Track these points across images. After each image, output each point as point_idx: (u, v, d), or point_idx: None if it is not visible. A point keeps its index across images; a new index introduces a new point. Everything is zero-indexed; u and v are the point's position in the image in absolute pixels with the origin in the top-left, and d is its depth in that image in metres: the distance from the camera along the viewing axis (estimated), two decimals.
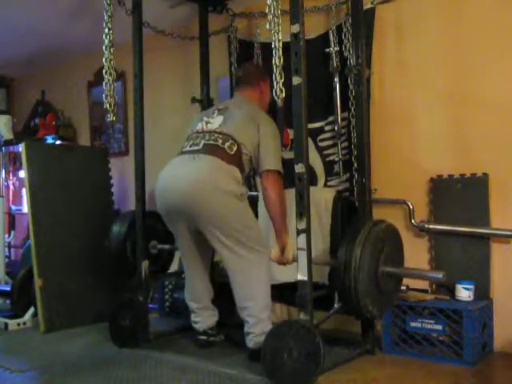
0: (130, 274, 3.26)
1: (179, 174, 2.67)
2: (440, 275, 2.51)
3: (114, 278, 3.78)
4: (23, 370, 2.73)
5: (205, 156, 2.63)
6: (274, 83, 2.45)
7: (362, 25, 2.93)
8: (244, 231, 2.63)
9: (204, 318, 2.96)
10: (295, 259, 2.50)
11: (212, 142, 2.67)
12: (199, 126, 2.81)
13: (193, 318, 2.99)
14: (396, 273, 2.61)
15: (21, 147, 3.64)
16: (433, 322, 2.72)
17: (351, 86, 3.13)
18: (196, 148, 2.69)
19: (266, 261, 2.71)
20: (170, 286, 3.80)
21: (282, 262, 2.70)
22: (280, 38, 2.43)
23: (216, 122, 2.76)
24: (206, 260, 2.95)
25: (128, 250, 3.38)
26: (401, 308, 2.80)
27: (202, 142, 2.70)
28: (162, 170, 2.75)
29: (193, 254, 2.88)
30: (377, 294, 2.52)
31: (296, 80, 2.39)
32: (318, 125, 3.37)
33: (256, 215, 3.04)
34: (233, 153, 2.65)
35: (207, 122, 2.79)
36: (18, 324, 3.57)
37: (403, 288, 2.92)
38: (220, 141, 2.67)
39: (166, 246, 3.39)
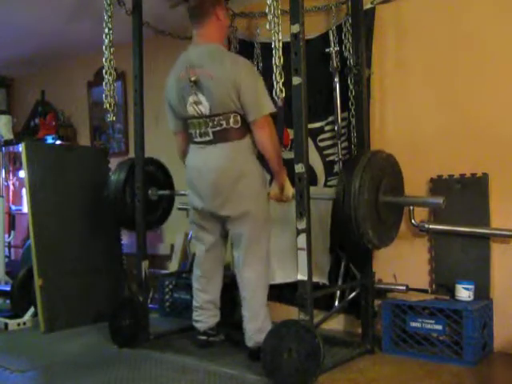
0: (131, 223, 3.23)
1: (203, 166, 2.72)
2: (440, 200, 2.52)
3: (114, 279, 3.79)
4: (23, 370, 2.73)
5: (221, 144, 2.68)
6: (274, 83, 2.46)
7: (362, 25, 2.94)
8: (262, 222, 2.73)
9: (206, 317, 2.96)
10: (294, 196, 2.51)
11: (218, 128, 2.67)
12: (191, 111, 2.71)
13: (195, 316, 2.98)
14: (396, 201, 2.61)
15: (21, 147, 3.64)
16: (433, 321, 2.72)
17: (351, 86, 3.13)
18: (208, 138, 2.70)
19: (269, 253, 2.76)
20: (170, 286, 3.80)
21: (282, 200, 2.73)
22: (280, 38, 2.43)
23: (203, 103, 2.67)
24: (224, 258, 3.02)
25: (127, 196, 3.35)
26: (401, 308, 2.80)
27: (210, 130, 2.69)
28: (188, 161, 2.81)
29: (215, 249, 2.92)
30: (377, 222, 2.53)
31: (296, 80, 2.40)
32: (317, 125, 3.37)
33: None
34: (239, 124, 2.67)
35: (195, 103, 2.69)
36: (18, 324, 3.57)
37: (403, 288, 2.93)
38: (224, 122, 2.66)
39: (166, 192, 3.41)
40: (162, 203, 3.53)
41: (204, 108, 2.68)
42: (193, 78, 2.67)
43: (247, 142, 2.70)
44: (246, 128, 2.68)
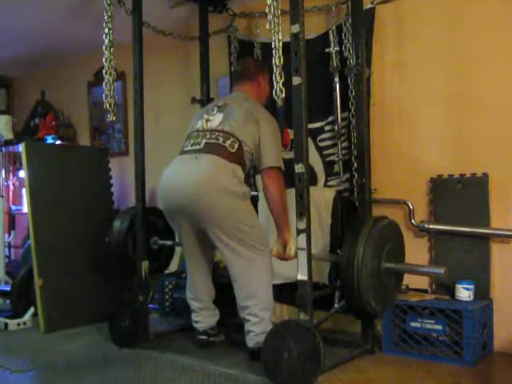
0: (131, 271, 3.25)
1: (181, 174, 2.67)
2: (441, 270, 2.53)
3: (115, 276, 3.79)
4: (23, 370, 2.73)
5: (206, 155, 2.63)
6: (274, 83, 2.46)
7: (362, 25, 2.94)
8: (246, 231, 2.63)
9: (205, 317, 2.96)
10: (297, 255, 2.50)
11: (213, 141, 2.67)
12: (199, 125, 2.80)
13: (193, 317, 2.98)
14: (398, 269, 2.62)
15: (21, 147, 3.64)
16: (433, 321, 2.72)
17: (351, 86, 3.14)
18: (197, 147, 2.68)
19: (268, 260, 2.72)
20: (170, 286, 3.80)
21: (284, 259, 2.70)
22: (280, 37, 2.43)
23: (216, 119, 2.75)
24: (209, 259, 2.96)
25: (129, 247, 3.38)
26: (401, 308, 2.80)
27: (204, 140, 2.69)
28: (165, 170, 2.75)
29: (195, 253, 2.88)
30: (379, 290, 2.54)
31: (296, 80, 2.40)
32: (318, 125, 3.37)
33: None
34: (234, 151, 2.64)
35: (207, 120, 2.77)
36: (18, 324, 3.57)
37: (403, 288, 2.93)
38: (221, 139, 2.66)
39: (168, 242, 3.41)
40: (164, 252, 3.54)
41: (212, 123, 2.72)
42: (219, 104, 2.82)
43: (234, 168, 2.61)
44: (238, 159, 2.64)
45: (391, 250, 2.60)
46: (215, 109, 2.82)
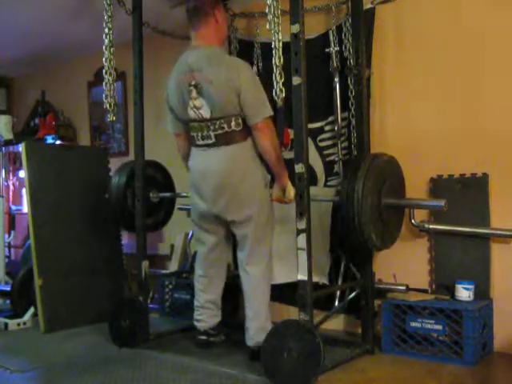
0: (132, 226, 3.24)
1: (206, 169, 2.71)
2: (441, 203, 2.54)
3: (114, 279, 3.79)
4: (23, 370, 2.73)
5: (224, 148, 2.67)
6: (274, 83, 2.46)
7: (362, 25, 2.94)
8: (262, 222, 2.72)
9: (207, 317, 2.95)
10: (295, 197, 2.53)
11: (220, 131, 2.67)
12: (192, 115, 2.71)
13: (196, 315, 2.98)
14: (398, 204, 2.63)
15: (21, 147, 3.64)
16: (433, 321, 2.72)
17: (351, 86, 3.13)
18: (210, 141, 2.70)
19: (269, 254, 2.78)
20: (170, 286, 3.80)
21: (284, 201, 2.73)
22: (280, 37, 2.43)
23: (203, 107, 2.67)
24: (226, 259, 3.04)
25: (128, 200, 3.36)
26: (401, 308, 2.80)
27: (211, 133, 2.69)
28: (191, 164, 2.80)
29: (216, 250, 2.92)
30: (380, 224, 2.54)
31: (296, 80, 2.40)
32: (318, 125, 3.37)
33: None
34: (241, 127, 2.66)
35: (195, 107, 2.69)
36: (18, 324, 3.57)
37: (403, 288, 2.93)
38: (225, 125, 2.66)
39: (168, 194, 3.41)
40: (164, 205, 3.54)
41: (205, 112, 2.67)
42: (193, 83, 2.66)
43: (249, 143, 2.70)
44: (247, 130, 2.67)
45: (391, 186, 2.60)
46: (193, 90, 2.66)
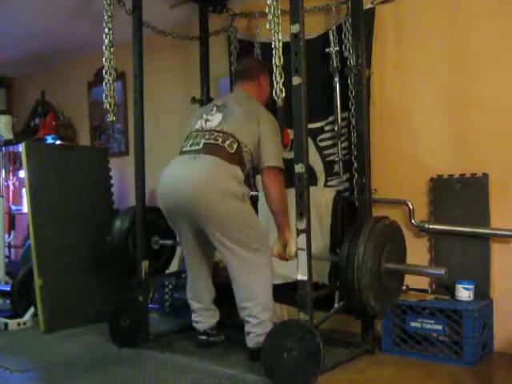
0: (132, 271, 3.24)
1: (180, 175, 2.65)
2: (441, 271, 2.52)
3: (116, 276, 3.79)
4: (23, 370, 2.73)
5: (205, 156, 2.62)
6: (274, 83, 2.46)
7: (362, 25, 2.94)
8: (246, 231, 2.62)
9: (205, 317, 2.96)
10: (297, 255, 2.51)
11: (212, 141, 2.65)
12: (198, 125, 2.78)
13: (193, 317, 2.98)
14: (398, 269, 2.61)
15: (21, 147, 3.64)
16: (433, 321, 2.72)
17: (351, 86, 3.13)
18: (196, 148, 2.67)
19: (268, 261, 2.71)
20: (170, 286, 3.80)
21: (285, 258, 2.70)
22: (280, 37, 2.43)
23: (215, 119, 2.73)
24: (209, 260, 2.95)
25: (130, 247, 3.38)
26: (401, 308, 2.80)
27: (202, 141, 2.68)
28: (163, 171, 2.75)
29: (195, 254, 2.87)
30: (379, 290, 2.52)
31: (296, 80, 2.39)
32: (318, 125, 3.37)
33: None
34: (233, 151, 2.63)
35: (206, 120, 2.76)
36: (18, 324, 3.57)
37: (403, 288, 2.92)
38: (220, 139, 2.65)
39: (168, 242, 3.41)
40: (165, 251, 3.55)
41: (211, 123, 2.71)
42: (218, 104, 2.80)
43: (233, 169, 2.60)
44: (237, 159, 2.62)
45: (392, 250, 2.59)
46: (214, 108, 2.81)
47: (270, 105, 3.01)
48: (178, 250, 4.00)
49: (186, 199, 2.59)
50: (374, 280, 2.49)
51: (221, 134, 2.66)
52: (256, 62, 3.13)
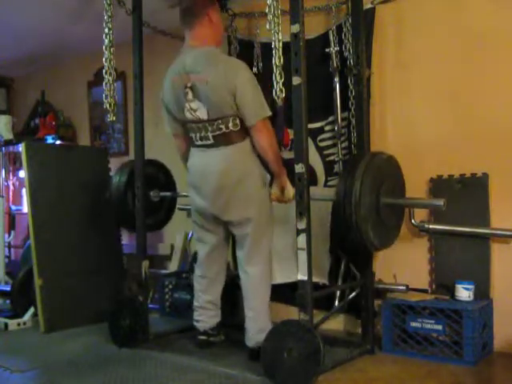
0: (133, 225, 3.23)
1: (205, 169, 2.71)
2: (440, 202, 2.52)
3: (114, 279, 3.79)
4: (23, 370, 2.73)
5: (223, 148, 2.67)
6: (274, 83, 2.45)
7: (362, 25, 2.94)
8: (265, 221, 2.73)
9: (207, 317, 2.96)
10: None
11: (218, 132, 2.66)
12: (189, 116, 2.71)
13: (196, 316, 2.98)
14: (397, 203, 2.60)
15: (21, 147, 3.64)
16: (433, 321, 2.72)
17: (351, 86, 3.13)
18: (209, 142, 2.69)
19: (270, 255, 2.78)
20: (170, 286, 3.80)
21: (283, 201, 2.74)
22: (280, 37, 2.43)
23: (199, 108, 2.66)
24: (226, 255, 3.03)
25: (129, 200, 3.36)
26: (401, 308, 2.80)
27: (210, 134, 2.68)
28: (190, 164, 2.81)
29: (219, 249, 2.93)
30: (378, 223, 2.52)
31: (296, 80, 2.39)
32: (318, 125, 3.37)
33: None
34: (239, 127, 2.65)
35: (192, 109, 2.68)
36: (18, 324, 3.57)
37: (403, 288, 2.93)
38: (223, 126, 2.65)
39: (169, 193, 3.41)
40: (165, 204, 3.54)
41: (201, 113, 2.67)
42: (188, 85, 2.66)
43: (247, 143, 2.69)
44: (245, 130, 2.67)
45: (390, 185, 2.58)
46: (188, 92, 2.67)
47: (270, 105, 3.00)
48: (178, 251, 4.01)
49: (212, 192, 2.69)
50: (372, 213, 2.48)
51: (220, 122, 2.65)
52: None
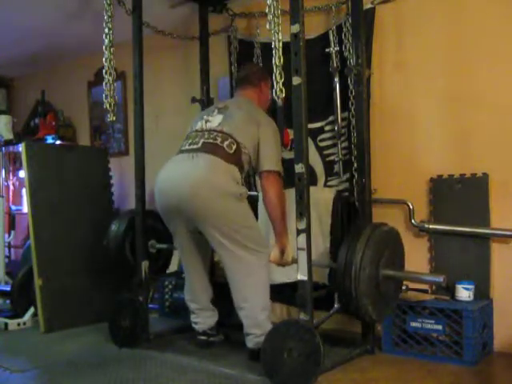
0: (130, 273, 3.25)
1: (178, 174, 2.66)
2: (440, 279, 2.48)
3: (114, 279, 3.79)
4: (23, 369, 2.73)
5: (204, 155, 2.62)
6: (274, 83, 2.46)
7: (362, 25, 2.94)
8: (243, 232, 2.63)
9: (204, 318, 2.96)
10: (294, 261, 2.51)
11: (211, 141, 2.66)
12: (199, 125, 2.80)
13: (192, 318, 2.99)
14: (396, 276, 2.59)
15: (21, 147, 3.64)
16: (433, 321, 2.72)
17: (351, 86, 3.14)
18: (195, 147, 2.68)
19: (265, 261, 2.70)
20: (170, 286, 3.80)
21: (282, 264, 2.70)
22: (280, 37, 2.43)
23: (216, 120, 2.76)
24: (205, 260, 2.95)
25: (127, 250, 3.38)
26: (401, 308, 2.80)
27: (201, 140, 2.69)
28: (161, 169, 2.75)
29: (192, 254, 2.88)
30: (377, 297, 2.50)
31: (296, 80, 2.39)
32: (318, 125, 3.37)
33: (256, 215, 3.03)
34: (232, 152, 2.64)
35: (207, 121, 2.78)
36: (18, 324, 3.57)
37: (403, 288, 2.92)
38: (219, 139, 2.66)
39: (165, 246, 3.39)
40: (162, 254, 3.54)
41: (211, 124, 2.72)
42: (220, 106, 2.83)
43: (231, 169, 2.61)
44: (235, 160, 2.64)
45: (390, 257, 2.56)
46: (215, 110, 2.84)
47: (270, 105, 3.02)
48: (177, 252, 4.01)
49: (183, 198, 2.59)
50: (372, 288, 2.46)
51: (220, 134, 2.68)
52: (257, 68, 3.16)
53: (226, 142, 2.65)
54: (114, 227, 3.46)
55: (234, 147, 2.65)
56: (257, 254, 2.66)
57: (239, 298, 2.67)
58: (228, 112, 2.77)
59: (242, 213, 2.66)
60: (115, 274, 3.79)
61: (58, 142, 4.68)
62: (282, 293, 3.10)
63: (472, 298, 2.75)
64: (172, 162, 2.74)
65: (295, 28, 2.39)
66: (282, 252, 2.67)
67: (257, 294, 2.66)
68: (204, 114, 2.90)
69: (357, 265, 2.42)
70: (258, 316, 2.64)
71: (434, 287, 2.97)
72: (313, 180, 3.27)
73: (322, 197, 3.14)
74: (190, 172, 2.61)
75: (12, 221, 4.94)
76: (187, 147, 2.73)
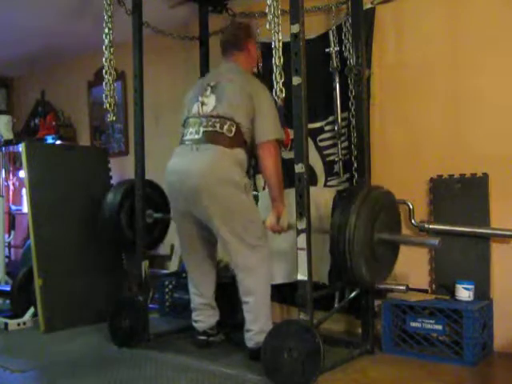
0: (125, 246, 3.21)
1: (184, 169, 2.68)
2: (436, 241, 2.50)
3: (114, 278, 3.79)
4: (23, 369, 2.72)
5: (206, 145, 2.64)
6: (274, 83, 2.46)
7: (362, 25, 2.94)
8: (247, 226, 2.65)
9: (205, 317, 2.96)
10: (291, 227, 2.52)
11: (211, 129, 2.66)
12: (195, 109, 2.77)
13: (194, 316, 2.99)
14: (392, 239, 2.58)
15: (21, 147, 3.64)
16: (433, 321, 2.72)
17: (351, 86, 3.13)
18: (197, 137, 2.69)
19: (267, 258, 2.72)
20: (170, 286, 3.80)
21: (277, 230, 2.70)
22: (280, 37, 2.43)
23: (210, 103, 2.72)
24: (211, 255, 2.97)
25: (122, 221, 3.37)
26: (401, 308, 2.80)
27: (201, 129, 2.69)
28: (169, 164, 2.76)
29: (199, 250, 2.90)
30: (371, 259, 2.51)
31: (296, 80, 2.40)
32: (318, 125, 3.37)
33: None
34: (232, 135, 2.64)
35: (202, 104, 2.74)
36: (18, 324, 3.57)
37: (403, 288, 2.92)
38: (218, 125, 2.65)
39: (161, 215, 3.40)
40: (158, 225, 3.53)
41: (207, 107, 2.69)
42: (212, 83, 2.77)
43: (235, 153, 2.64)
44: (237, 141, 2.65)
45: (386, 220, 2.55)
46: (208, 89, 2.78)
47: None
48: (178, 250, 4.01)
49: (191, 194, 2.63)
50: (366, 250, 2.46)
51: (218, 120, 2.67)
52: (240, 29, 2.99)
53: (226, 126, 2.64)
54: (109, 197, 3.46)
55: (234, 129, 2.65)
56: (259, 248, 2.68)
57: (243, 291, 2.70)
58: (220, 90, 2.72)
59: (247, 206, 2.69)
60: (115, 273, 3.80)
61: (58, 142, 4.69)
62: (281, 293, 3.11)
63: (472, 298, 2.75)
64: (177, 157, 2.75)
65: (295, 28, 2.39)
66: (278, 218, 2.68)
67: (257, 290, 2.68)
68: (197, 92, 2.82)
69: (351, 227, 2.42)
70: (257, 311, 2.66)
71: (434, 287, 2.98)
72: (313, 180, 3.27)
73: (322, 197, 3.14)
74: (195, 166, 2.63)
75: (12, 221, 4.95)
76: (189, 137, 2.73)
